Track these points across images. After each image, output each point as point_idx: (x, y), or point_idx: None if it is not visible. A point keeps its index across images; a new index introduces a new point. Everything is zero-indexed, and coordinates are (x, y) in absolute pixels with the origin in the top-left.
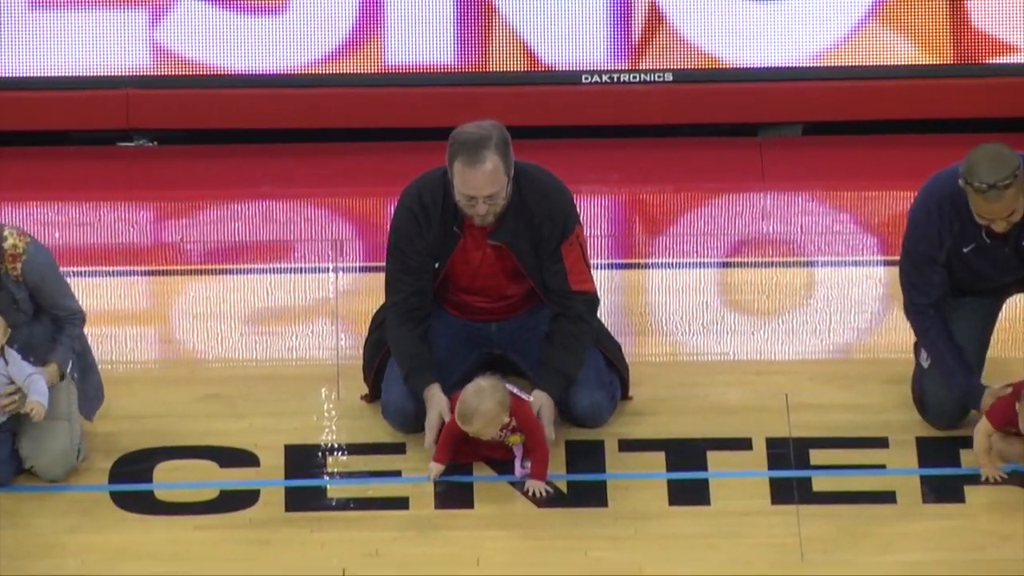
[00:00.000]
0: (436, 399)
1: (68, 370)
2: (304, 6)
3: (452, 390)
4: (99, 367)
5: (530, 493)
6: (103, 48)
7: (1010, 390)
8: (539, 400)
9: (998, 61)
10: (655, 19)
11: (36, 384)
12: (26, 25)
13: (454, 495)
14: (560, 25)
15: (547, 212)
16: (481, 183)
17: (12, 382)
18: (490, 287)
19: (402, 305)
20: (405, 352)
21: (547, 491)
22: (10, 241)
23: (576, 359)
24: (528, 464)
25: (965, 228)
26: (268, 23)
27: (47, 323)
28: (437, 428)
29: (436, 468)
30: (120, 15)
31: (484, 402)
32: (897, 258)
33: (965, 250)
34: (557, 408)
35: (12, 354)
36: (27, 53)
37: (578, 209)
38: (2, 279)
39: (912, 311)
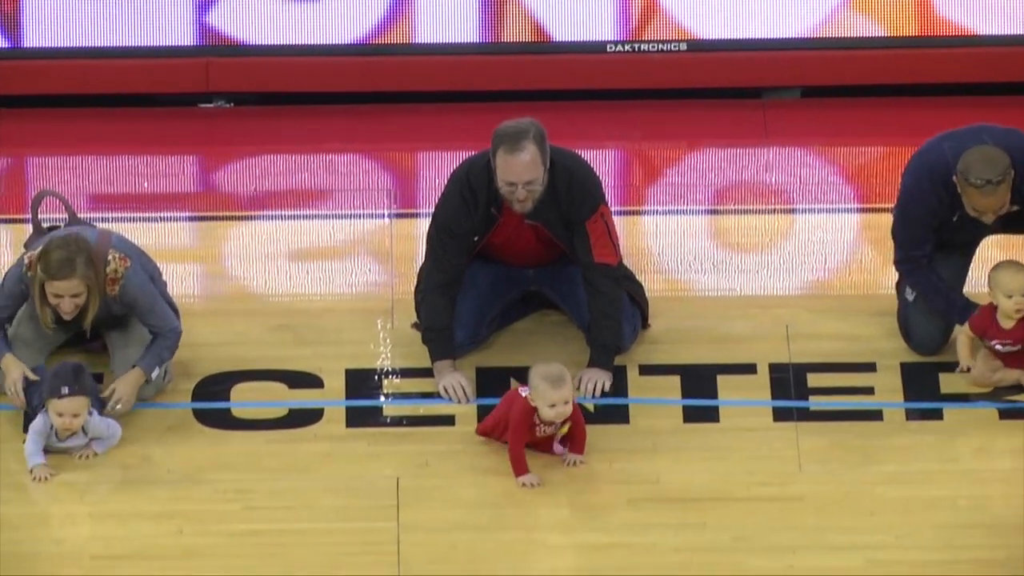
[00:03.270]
0: (444, 372)
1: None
2: None
3: (494, 323)
4: (182, 302)
5: (568, 464)
6: (188, 23)
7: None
8: (596, 374)
9: (969, 34)
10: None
11: (105, 442)
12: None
13: None
14: (592, 3)
15: (573, 194)
16: (521, 170)
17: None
18: (526, 252)
19: (439, 275)
20: (432, 321)
21: (582, 462)
22: (112, 266)
23: (615, 329)
24: (562, 447)
25: (954, 202)
26: (331, 3)
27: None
28: (454, 390)
29: (531, 478)
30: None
31: (563, 369)
32: (882, 206)
33: (953, 219)
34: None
35: (91, 420)
36: (126, 26)
37: (603, 181)
38: (104, 295)
39: (903, 262)
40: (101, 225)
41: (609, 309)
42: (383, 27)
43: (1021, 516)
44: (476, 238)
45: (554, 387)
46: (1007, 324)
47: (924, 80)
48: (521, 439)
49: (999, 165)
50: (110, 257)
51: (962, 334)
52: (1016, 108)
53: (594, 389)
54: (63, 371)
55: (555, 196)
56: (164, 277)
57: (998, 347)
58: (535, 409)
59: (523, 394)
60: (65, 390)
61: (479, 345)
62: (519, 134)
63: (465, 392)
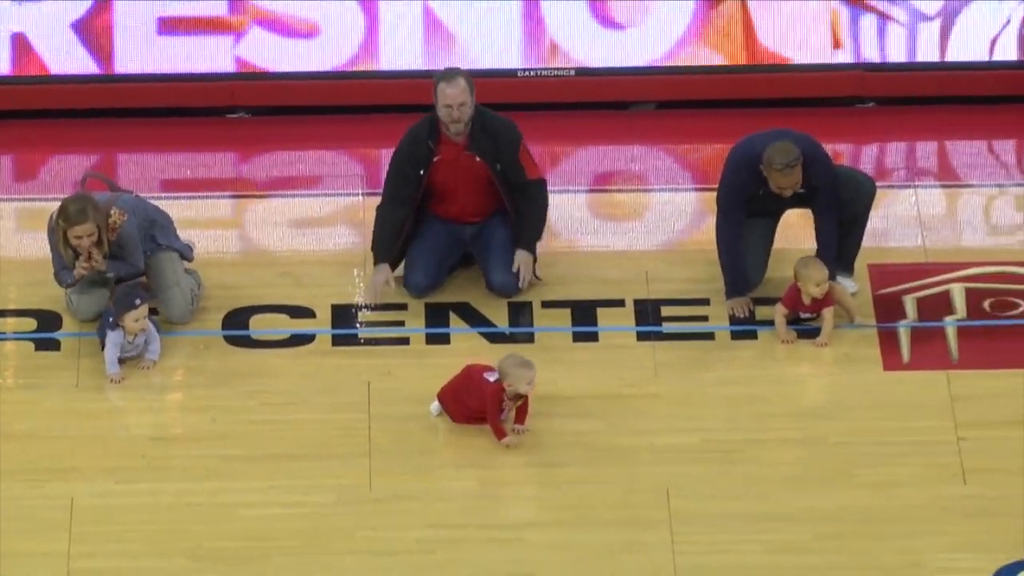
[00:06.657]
0: (383, 271)
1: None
2: (346, 33)
3: (447, 271)
4: (216, 257)
5: (514, 431)
6: (219, 57)
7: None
8: (522, 255)
9: (784, 62)
10: (565, 40)
11: (152, 345)
12: (160, 45)
13: (438, 338)
14: (509, 41)
15: (503, 135)
16: (455, 95)
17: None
18: (468, 195)
19: (391, 204)
20: (383, 237)
21: (525, 430)
22: (112, 218)
23: (540, 226)
24: (512, 421)
25: (760, 181)
26: (317, 44)
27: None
28: (378, 288)
29: (511, 438)
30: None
31: (527, 360)
32: (714, 187)
33: (760, 193)
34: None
35: (151, 328)
36: (170, 59)
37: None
38: (107, 239)
39: (723, 216)
40: (157, 202)
41: (540, 210)
42: (356, 59)
43: (814, 407)
44: (421, 171)
45: (528, 368)
46: (807, 300)
47: (749, 96)
48: (496, 414)
49: (793, 153)
50: (112, 211)
51: (778, 313)
52: (817, 117)
53: (524, 277)
54: (128, 291)
55: (485, 127)
56: (202, 239)
57: (802, 315)
58: (504, 389)
59: (490, 379)
60: (138, 301)
61: (439, 288)
62: (454, 72)
63: (385, 290)
